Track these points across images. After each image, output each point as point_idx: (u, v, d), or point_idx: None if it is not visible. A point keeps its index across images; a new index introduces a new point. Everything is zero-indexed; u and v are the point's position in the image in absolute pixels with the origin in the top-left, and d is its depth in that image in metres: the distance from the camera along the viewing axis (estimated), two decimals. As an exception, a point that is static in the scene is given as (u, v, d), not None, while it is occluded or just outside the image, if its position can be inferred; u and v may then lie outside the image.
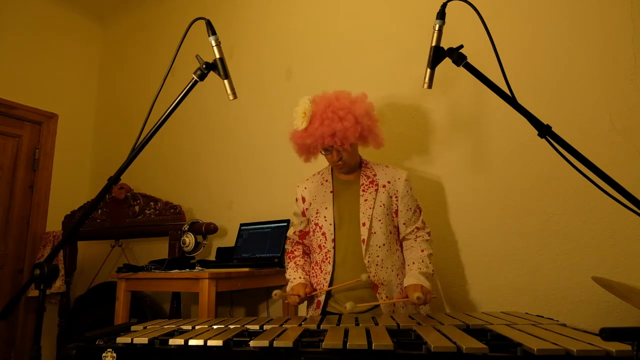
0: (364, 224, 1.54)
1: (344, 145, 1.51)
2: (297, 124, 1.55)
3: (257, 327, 1.11)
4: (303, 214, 1.70)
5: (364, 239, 1.53)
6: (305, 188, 1.71)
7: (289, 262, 1.71)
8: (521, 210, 1.86)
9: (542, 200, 1.82)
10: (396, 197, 1.61)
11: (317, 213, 1.63)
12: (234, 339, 0.96)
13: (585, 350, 0.74)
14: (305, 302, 1.62)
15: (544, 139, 1.04)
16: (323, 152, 1.58)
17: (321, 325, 1.09)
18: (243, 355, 0.92)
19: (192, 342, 0.94)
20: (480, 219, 1.94)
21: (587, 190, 1.70)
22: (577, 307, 1.70)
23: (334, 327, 1.05)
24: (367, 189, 1.61)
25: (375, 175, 1.64)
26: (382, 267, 1.53)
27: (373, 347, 0.83)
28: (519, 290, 1.82)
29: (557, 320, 1.08)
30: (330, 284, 1.54)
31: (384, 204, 1.57)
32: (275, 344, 0.89)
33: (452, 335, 0.87)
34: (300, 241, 1.74)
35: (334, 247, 1.56)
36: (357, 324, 1.10)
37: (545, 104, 1.85)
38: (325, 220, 1.60)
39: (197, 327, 1.11)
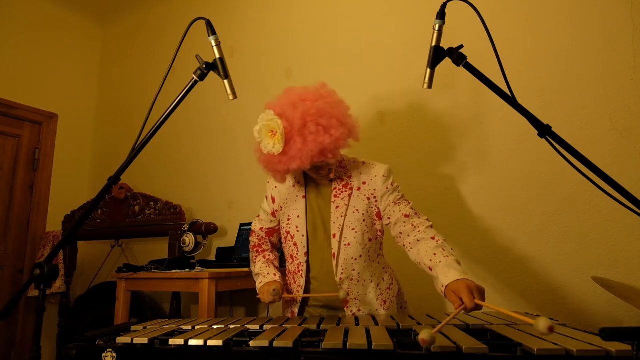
0: (334, 236, 1.37)
1: (337, 156, 1.31)
2: (267, 147, 1.25)
3: (257, 327, 1.11)
4: (273, 215, 1.53)
5: (334, 254, 1.36)
6: (275, 187, 1.51)
7: (257, 256, 1.52)
8: (521, 210, 1.86)
9: (542, 200, 1.82)
10: (375, 197, 1.40)
11: (288, 220, 1.45)
12: (234, 339, 0.96)
13: (585, 350, 0.74)
14: (281, 303, 1.53)
15: (544, 139, 1.04)
16: (310, 170, 1.37)
17: (321, 325, 1.09)
18: (243, 355, 0.92)
19: (192, 342, 0.94)
20: (480, 219, 1.94)
21: (587, 190, 1.70)
22: (577, 307, 1.70)
23: (334, 327, 1.05)
24: (340, 194, 1.40)
25: (350, 177, 1.43)
26: (357, 282, 1.38)
27: (373, 347, 0.83)
28: (519, 290, 1.82)
29: (557, 320, 1.08)
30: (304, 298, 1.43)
31: (358, 210, 1.38)
32: (275, 344, 0.88)
33: (452, 335, 0.87)
34: (267, 238, 1.58)
35: (307, 262, 1.41)
36: (357, 324, 1.10)
37: (545, 104, 1.85)
38: (298, 231, 1.42)
39: (197, 327, 1.11)
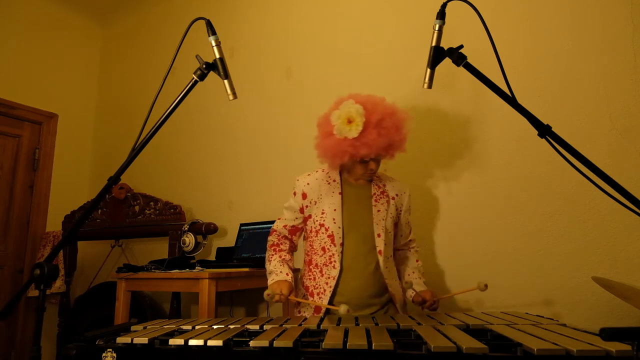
0: (379, 235, 1.51)
1: (393, 156, 1.49)
2: (343, 131, 1.40)
3: (257, 327, 1.11)
4: (301, 211, 1.59)
5: (380, 250, 1.49)
6: (307, 184, 1.58)
7: (273, 255, 1.57)
8: (521, 210, 1.86)
9: (542, 200, 1.82)
10: (400, 210, 1.61)
11: (322, 213, 1.53)
12: (234, 339, 0.96)
13: (585, 350, 0.74)
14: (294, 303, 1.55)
15: (544, 139, 1.04)
16: (359, 161, 1.48)
17: (321, 325, 1.09)
18: (243, 355, 0.92)
19: (192, 342, 0.94)
20: (481, 219, 1.94)
21: (587, 190, 1.70)
22: (577, 307, 1.70)
23: (334, 327, 1.05)
24: (379, 199, 1.56)
25: (384, 186, 1.61)
26: (393, 278, 1.55)
27: (373, 347, 0.83)
28: (519, 290, 1.82)
29: (557, 320, 1.08)
30: (335, 289, 1.46)
31: (392, 217, 1.57)
32: (275, 344, 0.88)
33: (452, 335, 0.87)
34: (289, 237, 1.63)
35: (342, 252, 1.48)
36: (357, 324, 1.10)
37: (545, 104, 1.85)
38: (334, 223, 1.50)
39: (197, 327, 1.11)
